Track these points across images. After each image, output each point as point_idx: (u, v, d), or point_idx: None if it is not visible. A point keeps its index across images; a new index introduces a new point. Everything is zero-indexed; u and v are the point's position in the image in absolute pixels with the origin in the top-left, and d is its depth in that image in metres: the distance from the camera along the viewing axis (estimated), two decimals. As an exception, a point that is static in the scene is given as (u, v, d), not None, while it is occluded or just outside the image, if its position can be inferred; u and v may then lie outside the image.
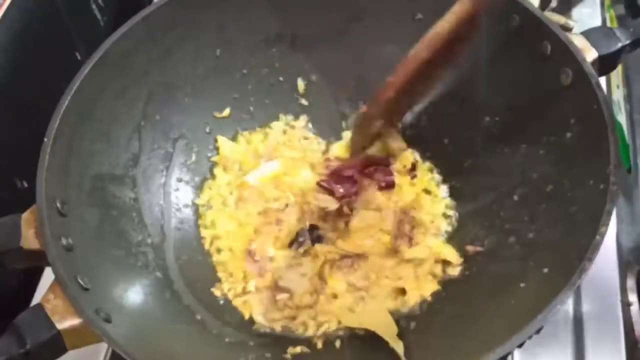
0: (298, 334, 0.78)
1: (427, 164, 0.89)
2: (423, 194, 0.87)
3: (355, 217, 0.84)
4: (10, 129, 0.89)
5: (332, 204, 0.84)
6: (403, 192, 0.87)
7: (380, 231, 0.83)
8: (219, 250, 0.85)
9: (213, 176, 0.91)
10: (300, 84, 0.94)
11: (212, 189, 0.90)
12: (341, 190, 0.86)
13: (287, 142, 0.93)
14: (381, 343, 0.74)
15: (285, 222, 0.85)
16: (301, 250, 0.83)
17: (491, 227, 0.80)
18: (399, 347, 0.72)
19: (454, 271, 0.80)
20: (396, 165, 0.89)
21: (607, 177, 0.65)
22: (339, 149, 0.92)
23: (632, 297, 0.85)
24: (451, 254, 0.82)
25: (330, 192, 0.86)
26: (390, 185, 0.88)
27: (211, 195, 0.89)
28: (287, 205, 0.87)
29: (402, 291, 0.79)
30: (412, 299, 0.79)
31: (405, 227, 0.83)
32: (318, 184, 0.87)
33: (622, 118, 0.97)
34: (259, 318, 0.79)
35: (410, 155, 0.90)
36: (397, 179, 0.88)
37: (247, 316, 0.79)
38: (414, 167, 0.89)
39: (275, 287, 0.80)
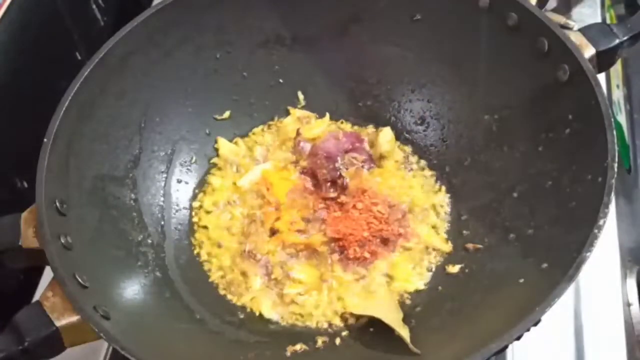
0: (302, 330, 0.78)
1: (426, 162, 0.89)
2: (419, 190, 0.87)
3: (349, 203, 0.84)
4: (10, 129, 0.89)
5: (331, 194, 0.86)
6: (398, 186, 0.87)
7: (372, 218, 0.82)
8: (209, 254, 0.85)
9: (210, 178, 0.91)
10: (300, 96, 0.95)
11: (208, 192, 0.90)
12: (324, 171, 0.87)
13: (283, 144, 0.93)
14: (382, 341, 0.74)
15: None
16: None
17: (491, 224, 0.80)
18: (405, 332, 0.72)
19: (454, 269, 0.80)
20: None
21: (605, 170, 0.66)
22: (308, 130, 0.92)
23: (632, 297, 0.85)
24: (441, 243, 0.82)
25: (314, 177, 0.87)
26: (371, 161, 0.89)
27: (205, 198, 0.89)
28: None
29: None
30: (396, 290, 0.79)
31: (397, 215, 0.83)
32: (301, 172, 0.88)
33: (622, 118, 0.97)
34: (268, 314, 0.79)
35: (400, 152, 0.90)
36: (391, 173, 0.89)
37: (257, 313, 0.79)
38: (406, 161, 0.90)
39: (285, 280, 0.81)
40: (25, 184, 0.90)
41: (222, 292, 0.82)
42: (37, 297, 0.69)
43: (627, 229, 0.89)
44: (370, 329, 0.76)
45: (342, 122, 0.94)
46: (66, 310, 0.64)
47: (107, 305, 0.67)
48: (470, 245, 0.80)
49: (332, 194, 0.85)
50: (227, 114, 0.93)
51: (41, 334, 0.64)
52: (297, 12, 0.91)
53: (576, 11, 1.08)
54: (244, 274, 0.82)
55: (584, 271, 0.61)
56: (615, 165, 0.66)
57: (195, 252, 0.85)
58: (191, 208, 0.89)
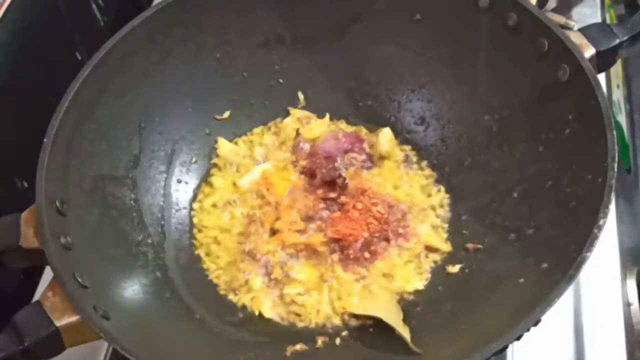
0: (302, 330, 0.78)
1: (426, 162, 0.89)
2: (419, 190, 0.87)
3: (348, 203, 0.84)
4: (10, 128, 0.89)
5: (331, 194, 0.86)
6: (398, 186, 0.87)
7: (372, 218, 0.82)
8: (209, 254, 0.85)
9: (210, 178, 0.91)
10: (301, 96, 0.95)
11: (208, 192, 0.90)
12: (324, 170, 0.87)
13: (283, 144, 0.93)
14: (382, 341, 0.74)
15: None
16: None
17: (491, 224, 0.80)
18: (405, 332, 0.72)
19: (454, 269, 0.79)
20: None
21: (605, 170, 0.66)
22: (308, 130, 0.92)
23: (632, 297, 0.85)
24: (441, 243, 0.82)
25: (314, 178, 0.87)
26: (370, 161, 0.89)
27: (205, 198, 0.89)
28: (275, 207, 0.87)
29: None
30: (396, 290, 0.79)
31: (397, 215, 0.83)
32: (301, 172, 0.89)
33: (622, 118, 0.97)
34: (268, 314, 0.79)
35: (400, 152, 0.90)
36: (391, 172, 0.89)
37: (256, 313, 0.79)
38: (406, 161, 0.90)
39: (285, 280, 0.81)
40: (25, 184, 0.90)
41: (222, 292, 0.82)
42: (37, 297, 0.69)
43: (627, 229, 0.89)
44: (370, 329, 0.77)
45: (342, 122, 0.94)
46: (66, 310, 0.64)
47: (107, 305, 0.67)
48: (470, 245, 0.80)
49: (332, 194, 0.85)
50: (227, 114, 0.93)
51: (41, 334, 0.63)
52: (297, 12, 0.91)
53: (576, 11, 1.08)
54: (244, 274, 0.82)
55: (584, 271, 0.61)
56: (615, 165, 0.66)
57: (196, 252, 0.85)
58: (191, 208, 0.89)
